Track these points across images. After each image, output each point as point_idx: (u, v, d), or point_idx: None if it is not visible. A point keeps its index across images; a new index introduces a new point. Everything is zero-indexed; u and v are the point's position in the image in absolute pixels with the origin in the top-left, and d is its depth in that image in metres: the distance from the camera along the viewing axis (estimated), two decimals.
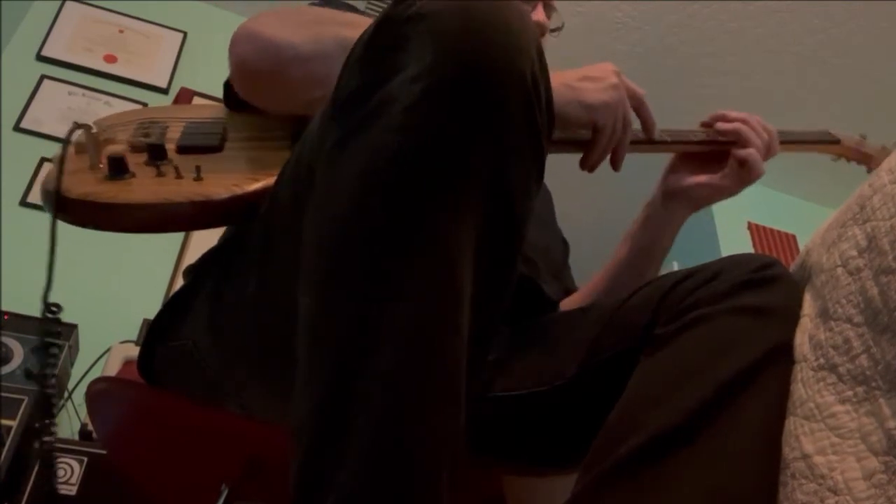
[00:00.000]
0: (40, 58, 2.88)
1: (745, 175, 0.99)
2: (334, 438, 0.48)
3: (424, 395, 0.49)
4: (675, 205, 1.04)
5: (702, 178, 1.01)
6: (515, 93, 0.53)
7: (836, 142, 1.17)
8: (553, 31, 1.18)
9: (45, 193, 0.76)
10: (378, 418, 0.48)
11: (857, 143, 1.19)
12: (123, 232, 0.76)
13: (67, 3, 3.04)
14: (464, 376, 0.52)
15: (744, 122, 1.00)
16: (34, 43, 2.91)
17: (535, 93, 0.54)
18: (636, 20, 3.16)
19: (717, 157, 1.02)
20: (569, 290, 1.16)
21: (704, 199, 1.02)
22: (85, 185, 0.75)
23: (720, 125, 1.02)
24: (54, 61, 2.87)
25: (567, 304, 1.11)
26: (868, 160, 1.19)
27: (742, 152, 0.98)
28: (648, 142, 0.96)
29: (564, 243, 1.25)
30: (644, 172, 3.87)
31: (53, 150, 0.80)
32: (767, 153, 1.01)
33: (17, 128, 2.73)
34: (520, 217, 0.57)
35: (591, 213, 4.08)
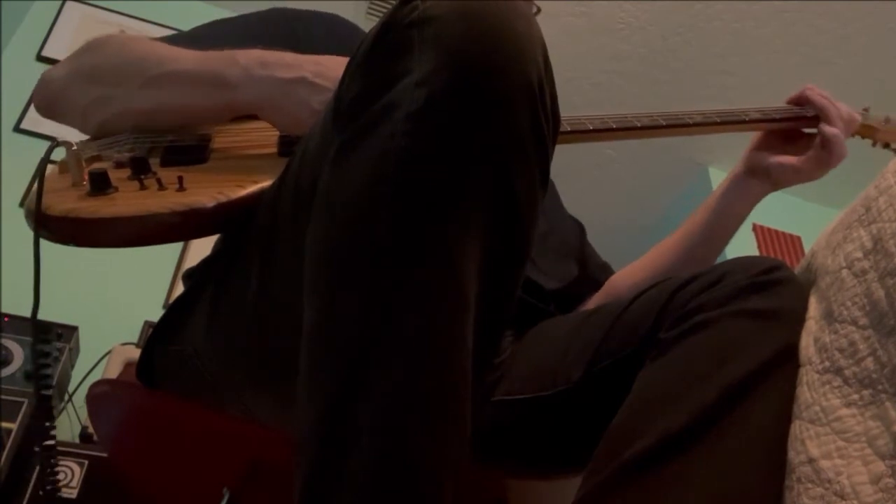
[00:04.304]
0: (40, 58, 2.88)
1: (827, 158, 0.98)
2: (337, 455, 0.48)
3: (428, 409, 0.48)
4: (754, 181, 1.04)
5: (784, 159, 1.01)
6: (520, 99, 0.52)
7: None
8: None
9: (27, 212, 0.75)
10: (380, 435, 0.47)
11: (860, 116, 1.14)
12: (108, 247, 0.75)
13: (67, 3, 3.04)
14: (469, 389, 0.51)
15: (830, 101, 1.01)
16: (34, 43, 2.91)
17: (541, 98, 0.54)
18: (640, 20, 3.15)
19: (803, 139, 1.03)
20: (597, 267, 1.17)
21: (784, 179, 1.02)
22: (66, 202, 0.74)
23: (808, 93, 1.03)
24: (54, 61, 2.85)
25: (626, 274, 1.12)
26: (872, 133, 1.15)
27: (828, 130, 0.98)
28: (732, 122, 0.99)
29: (577, 224, 1.25)
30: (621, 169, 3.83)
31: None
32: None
33: (17, 128, 2.73)
34: (525, 223, 0.56)
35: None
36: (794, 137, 1.04)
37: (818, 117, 1.02)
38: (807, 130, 1.05)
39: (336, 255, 0.52)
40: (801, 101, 1.05)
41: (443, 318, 0.50)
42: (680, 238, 1.08)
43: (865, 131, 1.14)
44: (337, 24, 1.13)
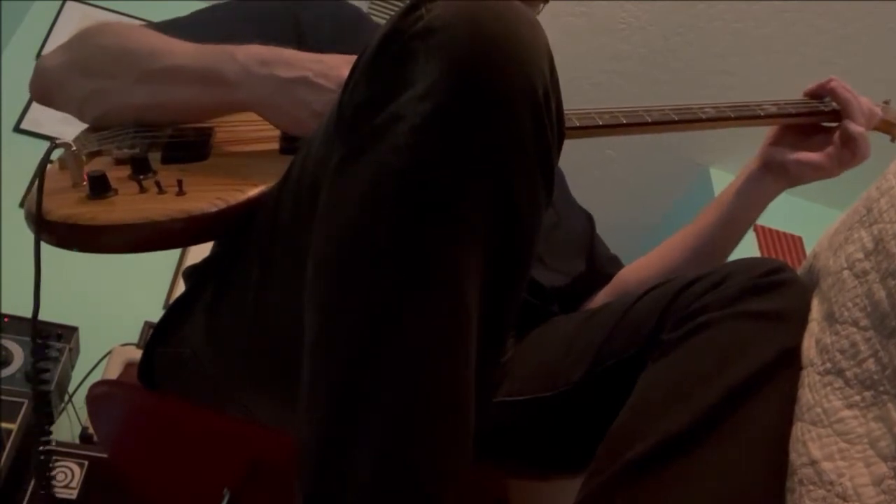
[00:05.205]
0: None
1: (848, 156, 0.95)
2: (338, 455, 0.48)
3: (429, 410, 0.49)
4: (770, 178, 1.00)
5: (803, 156, 0.97)
6: (521, 99, 0.52)
7: None
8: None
9: (27, 215, 0.75)
10: (381, 435, 0.47)
11: (880, 110, 1.08)
12: (108, 253, 0.74)
13: (67, 3, 3.04)
14: (472, 389, 0.51)
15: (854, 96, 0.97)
16: (34, 43, 2.92)
17: (546, 109, 0.53)
18: (640, 20, 3.15)
19: (821, 133, 0.99)
20: (606, 260, 1.16)
21: (803, 177, 0.98)
22: (65, 206, 0.73)
23: (833, 85, 0.99)
24: None
25: (634, 270, 1.10)
26: (891, 129, 1.09)
27: (854, 129, 0.94)
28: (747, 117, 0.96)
29: (586, 215, 1.23)
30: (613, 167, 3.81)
31: None
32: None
33: (17, 128, 2.73)
34: (528, 233, 0.56)
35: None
36: (812, 132, 1.00)
37: (836, 111, 0.98)
38: (825, 124, 1.01)
39: (338, 256, 0.52)
40: (821, 92, 1.01)
41: (443, 320, 0.50)
42: (690, 235, 1.05)
43: (884, 126, 1.09)
44: (341, 7, 1.12)
